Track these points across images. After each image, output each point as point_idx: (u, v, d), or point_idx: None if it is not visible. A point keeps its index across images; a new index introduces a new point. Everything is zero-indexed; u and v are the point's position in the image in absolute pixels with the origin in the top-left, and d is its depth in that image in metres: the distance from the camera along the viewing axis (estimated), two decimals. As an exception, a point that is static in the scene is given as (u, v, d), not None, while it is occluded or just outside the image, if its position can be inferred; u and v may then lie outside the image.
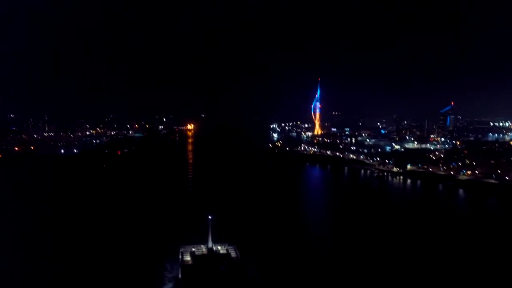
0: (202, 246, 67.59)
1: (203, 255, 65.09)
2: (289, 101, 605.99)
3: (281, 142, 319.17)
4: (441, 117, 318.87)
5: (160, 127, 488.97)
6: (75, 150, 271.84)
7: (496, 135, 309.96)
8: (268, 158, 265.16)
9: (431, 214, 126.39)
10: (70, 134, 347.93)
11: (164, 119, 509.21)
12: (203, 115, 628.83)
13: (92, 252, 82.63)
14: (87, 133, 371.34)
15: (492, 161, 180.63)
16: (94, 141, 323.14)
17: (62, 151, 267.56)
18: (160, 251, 77.44)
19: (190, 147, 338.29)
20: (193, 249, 66.57)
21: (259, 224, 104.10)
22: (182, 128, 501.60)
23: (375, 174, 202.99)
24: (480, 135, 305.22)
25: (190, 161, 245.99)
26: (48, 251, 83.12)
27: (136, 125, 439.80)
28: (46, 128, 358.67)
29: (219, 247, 67.31)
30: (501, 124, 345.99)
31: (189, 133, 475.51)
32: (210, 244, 67.11)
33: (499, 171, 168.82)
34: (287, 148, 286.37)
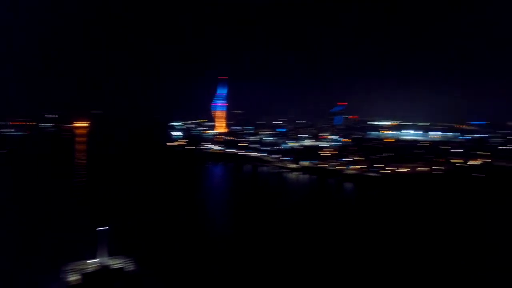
0: (93, 261, 61.21)
1: (93, 272, 58.92)
2: (192, 98, 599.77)
3: (183, 140, 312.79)
4: (332, 117, 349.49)
5: (46, 124, 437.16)
6: None
7: (376, 132, 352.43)
8: (169, 158, 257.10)
9: (322, 206, 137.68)
10: None
11: (52, 116, 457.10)
12: (98, 112, 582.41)
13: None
14: None
15: (373, 157, 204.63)
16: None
17: None
18: (41, 271, 68.29)
19: (82, 147, 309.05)
20: (82, 266, 60.03)
21: (160, 231, 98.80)
22: (73, 126, 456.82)
23: (274, 171, 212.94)
24: (363, 133, 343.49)
25: (82, 163, 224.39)
26: None
27: (16, 122, 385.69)
28: None
29: (113, 262, 61.81)
30: (381, 123, 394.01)
31: (81, 132, 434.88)
32: (102, 259, 61.17)
33: (379, 166, 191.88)
34: (190, 147, 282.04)
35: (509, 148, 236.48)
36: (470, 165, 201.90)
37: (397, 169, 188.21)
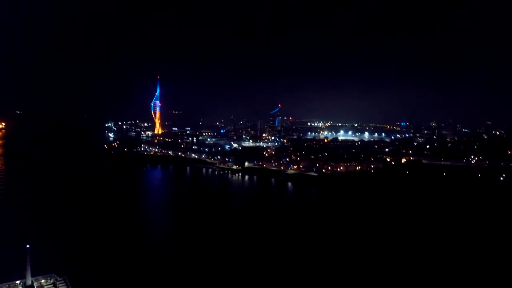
0: (18, 282, 53.45)
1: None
2: (127, 98, 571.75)
3: (118, 142, 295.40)
4: (271, 118, 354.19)
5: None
6: None
7: (313, 133, 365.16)
8: (103, 161, 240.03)
9: (265, 205, 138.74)
10: None
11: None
12: (18, 112, 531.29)
13: None
14: None
15: (312, 157, 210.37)
16: None
17: None
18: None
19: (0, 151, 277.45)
20: (6, 288, 52.09)
21: (94, 243, 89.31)
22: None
23: (216, 172, 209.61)
24: (301, 134, 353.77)
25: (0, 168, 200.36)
26: None
27: None
28: None
29: (42, 281, 54.42)
30: (316, 124, 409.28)
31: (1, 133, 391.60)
32: (29, 280, 53.48)
33: (318, 165, 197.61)
34: (126, 149, 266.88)
35: (431, 147, 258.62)
36: (401, 163, 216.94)
37: (336, 168, 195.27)
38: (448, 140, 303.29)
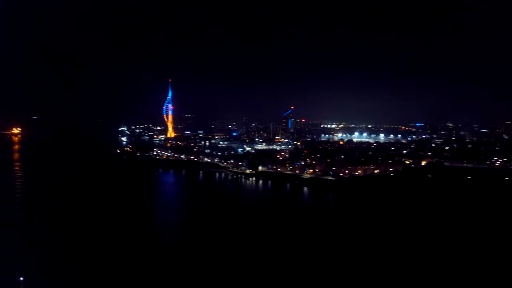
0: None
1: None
2: (139, 102, 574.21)
3: (130, 146, 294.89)
4: (284, 120, 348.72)
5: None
6: None
7: (327, 135, 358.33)
8: (115, 166, 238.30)
9: (281, 211, 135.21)
10: None
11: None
12: (34, 117, 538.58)
13: None
14: None
15: (328, 160, 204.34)
16: None
17: None
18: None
19: (16, 156, 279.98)
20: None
21: (104, 261, 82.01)
22: (5, 132, 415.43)
23: (230, 177, 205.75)
24: (314, 136, 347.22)
25: (17, 174, 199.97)
26: None
27: None
28: None
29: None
30: (329, 125, 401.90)
31: (16, 139, 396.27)
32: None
33: (334, 169, 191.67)
34: (138, 153, 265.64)
35: (451, 149, 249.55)
36: (422, 165, 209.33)
37: (353, 172, 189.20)
38: (467, 141, 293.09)
